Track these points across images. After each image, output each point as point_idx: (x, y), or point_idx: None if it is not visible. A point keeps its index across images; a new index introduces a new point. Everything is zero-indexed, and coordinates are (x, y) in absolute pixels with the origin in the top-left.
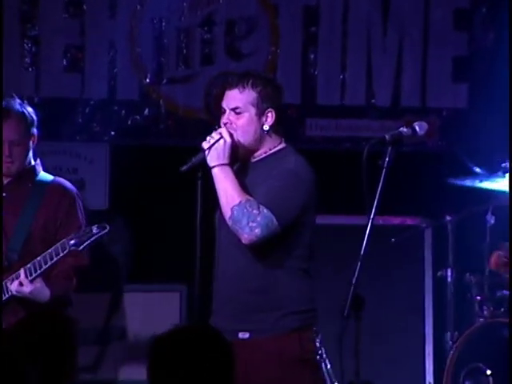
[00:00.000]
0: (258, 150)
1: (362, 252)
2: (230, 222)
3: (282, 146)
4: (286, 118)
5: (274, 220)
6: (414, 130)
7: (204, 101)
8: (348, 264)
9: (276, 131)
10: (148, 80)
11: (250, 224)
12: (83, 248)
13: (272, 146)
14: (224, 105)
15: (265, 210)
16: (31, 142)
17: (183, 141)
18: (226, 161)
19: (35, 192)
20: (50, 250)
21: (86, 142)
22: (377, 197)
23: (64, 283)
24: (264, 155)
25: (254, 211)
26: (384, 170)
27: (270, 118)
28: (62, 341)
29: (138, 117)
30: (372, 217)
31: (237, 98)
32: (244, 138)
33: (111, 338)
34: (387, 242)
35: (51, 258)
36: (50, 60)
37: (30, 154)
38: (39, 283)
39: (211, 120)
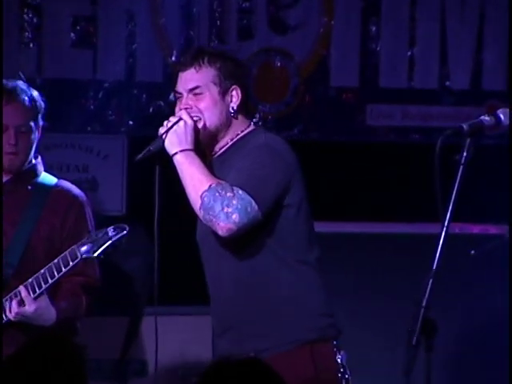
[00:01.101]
0: (223, 137)
1: (435, 267)
2: (201, 213)
3: (251, 128)
4: (341, 104)
5: (253, 202)
6: (498, 118)
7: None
8: (414, 279)
9: (243, 112)
10: (174, 58)
11: (226, 210)
12: (99, 254)
13: (239, 130)
14: (180, 89)
15: (240, 191)
16: (37, 133)
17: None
18: (188, 145)
19: (36, 197)
20: (55, 261)
21: (98, 133)
22: (452, 199)
23: (72, 303)
24: (230, 143)
25: (228, 194)
26: (461, 167)
27: (236, 96)
28: (69, 373)
29: (161, 103)
30: (446, 224)
31: (194, 78)
32: (210, 121)
33: (129, 372)
34: (465, 254)
35: (58, 270)
36: (55, 34)
37: (34, 148)
38: (44, 301)
39: (251, 107)
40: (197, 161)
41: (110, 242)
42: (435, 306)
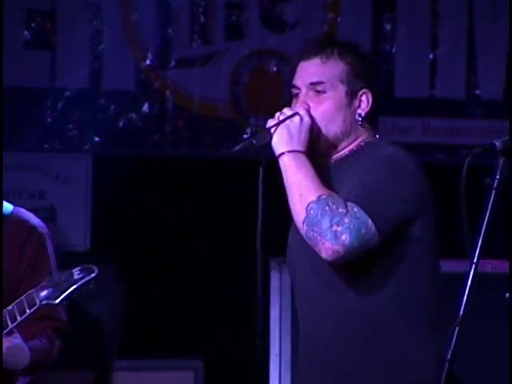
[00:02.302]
0: (342, 146)
1: (461, 312)
2: (303, 228)
3: (370, 139)
4: None
5: (370, 223)
6: None
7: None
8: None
9: (369, 121)
10: (149, 61)
11: (335, 228)
12: (61, 301)
13: (363, 141)
14: (298, 82)
15: (355, 208)
16: None
17: (199, 150)
18: (300, 146)
19: None
20: (10, 307)
21: (57, 152)
22: (482, 231)
23: (46, 344)
24: (349, 152)
25: (341, 209)
26: (493, 191)
27: (365, 101)
28: None
29: (133, 115)
30: (476, 261)
31: (318, 71)
32: (329, 127)
33: None
34: (498, 297)
35: (12, 320)
36: (4, 32)
37: None
38: (17, 339)
39: (241, 121)
40: (307, 165)
41: (74, 286)
42: (462, 359)
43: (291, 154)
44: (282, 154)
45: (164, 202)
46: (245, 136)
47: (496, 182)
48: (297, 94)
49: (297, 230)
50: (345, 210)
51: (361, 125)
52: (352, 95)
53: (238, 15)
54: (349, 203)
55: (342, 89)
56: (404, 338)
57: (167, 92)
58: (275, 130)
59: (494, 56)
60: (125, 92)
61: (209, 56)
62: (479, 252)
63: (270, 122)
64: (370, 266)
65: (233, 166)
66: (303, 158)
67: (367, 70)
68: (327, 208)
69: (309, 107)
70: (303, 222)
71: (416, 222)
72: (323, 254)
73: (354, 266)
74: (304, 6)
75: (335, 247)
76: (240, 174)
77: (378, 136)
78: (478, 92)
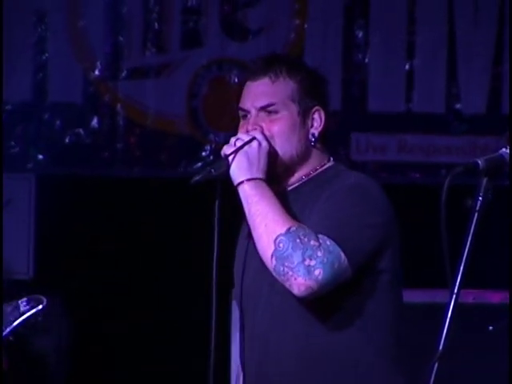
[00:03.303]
0: (297, 170)
1: (441, 347)
2: (272, 263)
3: (331, 163)
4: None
5: (342, 256)
6: None
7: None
8: (416, 359)
9: (324, 141)
10: (98, 72)
11: (307, 262)
12: (6, 335)
13: (318, 164)
14: (247, 104)
15: (327, 241)
16: None
17: (154, 169)
18: (260, 174)
19: None
20: None
21: None
22: (464, 258)
23: None
24: (305, 178)
25: (312, 242)
26: (476, 214)
27: (318, 120)
28: None
29: (81, 131)
30: (456, 291)
31: (268, 92)
32: (284, 148)
33: None
34: (481, 330)
35: None
36: None
37: None
38: None
39: (200, 137)
40: (269, 194)
41: (21, 319)
42: None
43: (252, 183)
44: (242, 182)
45: (115, 226)
46: (204, 154)
47: (479, 203)
48: (245, 116)
49: (246, 258)
50: (317, 243)
51: (314, 146)
52: (304, 114)
53: (195, 21)
54: (320, 236)
55: (294, 108)
56: (373, 376)
57: (118, 105)
58: (233, 157)
59: (476, 65)
60: (71, 105)
61: (164, 66)
62: (460, 281)
63: (227, 149)
64: (338, 299)
65: (191, 187)
66: (264, 185)
67: (318, 87)
68: (298, 241)
69: (262, 129)
70: (271, 256)
71: (384, 252)
72: (295, 290)
73: (322, 300)
74: (268, 11)
75: (308, 283)
76: (199, 196)
77: (331, 159)
78: (459, 106)
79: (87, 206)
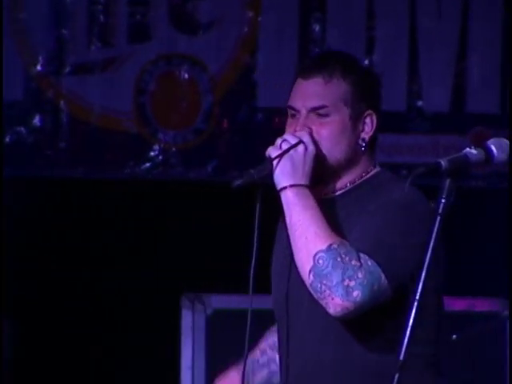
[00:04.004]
0: (344, 175)
1: (402, 357)
2: (309, 279)
3: (377, 169)
4: (272, 132)
5: (383, 278)
6: (488, 151)
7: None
8: None
9: (373, 147)
10: (40, 67)
11: (347, 282)
12: None
13: (365, 170)
14: (297, 104)
15: (369, 262)
16: None
17: (99, 170)
18: (305, 180)
19: None
20: None
21: None
22: (426, 263)
23: None
24: (351, 185)
25: (354, 262)
26: (438, 217)
27: (370, 125)
28: None
29: (22, 129)
30: (418, 298)
31: (321, 93)
32: (332, 153)
33: None
34: (445, 339)
35: None
36: None
37: None
38: None
39: (148, 136)
40: (313, 204)
41: None
42: None
43: (295, 189)
44: (285, 188)
45: (60, 231)
46: (152, 154)
47: (441, 206)
48: (294, 115)
49: (286, 265)
50: (358, 263)
51: (363, 151)
52: (356, 118)
53: (143, 14)
54: (362, 255)
55: (345, 112)
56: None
57: (61, 102)
58: (278, 160)
59: (439, 61)
60: (12, 102)
61: (110, 61)
62: (423, 286)
63: (272, 152)
64: (379, 319)
65: (138, 189)
66: (308, 193)
67: (372, 89)
68: (339, 259)
69: (311, 131)
70: (309, 272)
71: (429, 271)
72: (331, 310)
73: (362, 318)
74: (220, 3)
75: (345, 304)
76: (147, 198)
77: (377, 164)
78: (420, 103)
79: (29, 209)
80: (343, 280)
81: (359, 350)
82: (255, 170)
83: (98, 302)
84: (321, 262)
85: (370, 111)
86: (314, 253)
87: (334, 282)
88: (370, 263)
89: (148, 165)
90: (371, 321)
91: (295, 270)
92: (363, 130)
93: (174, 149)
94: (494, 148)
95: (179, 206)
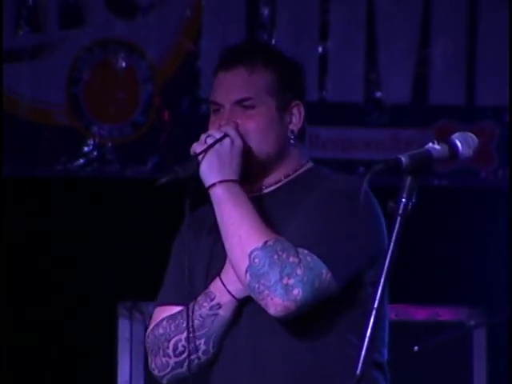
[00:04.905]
0: (274, 170)
1: (359, 371)
2: (246, 278)
3: (311, 165)
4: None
5: (324, 272)
6: (453, 147)
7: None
8: None
9: (303, 139)
10: None
11: (285, 281)
12: None
13: (297, 164)
14: (220, 98)
15: (308, 257)
16: None
17: (28, 167)
18: (234, 176)
19: None
20: None
21: None
22: (385, 269)
23: None
24: (284, 181)
25: (291, 258)
26: (398, 218)
27: (298, 115)
28: None
29: None
30: (376, 306)
31: (244, 84)
32: (261, 147)
33: None
34: (406, 351)
35: None
36: None
37: None
38: None
39: (81, 129)
40: (244, 199)
41: None
42: None
43: (224, 185)
44: (213, 184)
45: None
46: (86, 149)
47: (402, 206)
48: (217, 110)
49: (212, 260)
50: (297, 260)
51: (293, 144)
52: (283, 109)
53: None
54: (300, 250)
55: (271, 103)
56: None
57: None
58: (203, 156)
59: (399, 47)
60: None
61: (40, 47)
62: (381, 293)
63: (197, 148)
64: (325, 314)
65: (71, 187)
66: (239, 189)
67: (297, 79)
68: (276, 257)
69: (236, 125)
70: (246, 272)
71: (375, 265)
72: (271, 310)
73: (307, 315)
74: None
75: (286, 303)
76: (80, 197)
77: (310, 162)
78: (379, 94)
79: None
80: (282, 278)
81: (309, 348)
82: (180, 168)
83: (27, 312)
84: (257, 260)
85: (296, 101)
86: (248, 251)
87: (272, 281)
88: (309, 258)
89: (81, 161)
90: (318, 316)
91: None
92: (291, 122)
93: (109, 144)
94: (459, 143)
95: (115, 206)
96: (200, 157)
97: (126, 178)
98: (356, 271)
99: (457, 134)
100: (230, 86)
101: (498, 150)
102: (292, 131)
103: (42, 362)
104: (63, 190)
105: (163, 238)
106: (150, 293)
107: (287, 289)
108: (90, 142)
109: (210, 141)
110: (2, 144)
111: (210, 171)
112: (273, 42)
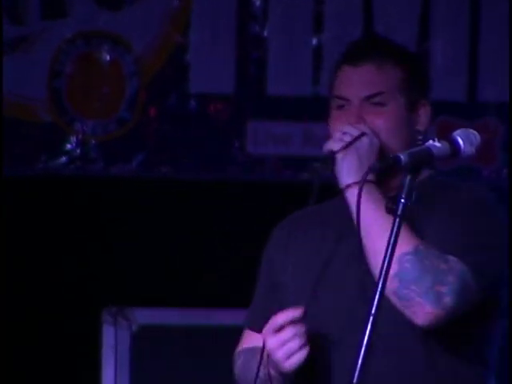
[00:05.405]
0: (399, 174)
1: (355, 380)
2: (393, 285)
3: (428, 172)
4: (206, 121)
5: (472, 281)
6: (454, 144)
7: None
8: None
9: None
10: None
11: (437, 288)
12: None
13: None
14: (349, 93)
15: (458, 265)
16: None
17: (8, 165)
18: (371, 176)
19: None
20: None
21: None
22: (385, 266)
23: None
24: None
25: (442, 265)
26: (397, 220)
27: (425, 115)
28: None
29: None
30: (374, 312)
31: (375, 80)
32: (391, 147)
33: None
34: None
35: None
36: None
37: None
38: None
39: (64, 125)
40: (384, 201)
41: None
42: None
43: (364, 186)
44: (351, 185)
45: None
46: (69, 146)
47: (401, 206)
48: (342, 106)
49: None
50: (447, 267)
51: (419, 146)
52: (411, 108)
53: None
54: (450, 257)
55: (401, 101)
56: None
57: None
58: (342, 155)
59: (397, 41)
60: None
61: (20, 40)
62: (379, 298)
63: (334, 145)
64: (464, 326)
65: (53, 186)
66: (377, 191)
67: (425, 78)
68: (427, 262)
69: (365, 122)
70: (394, 277)
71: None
72: (419, 319)
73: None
74: None
75: (437, 312)
76: (62, 197)
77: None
78: None
79: None
80: (434, 285)
81: (438, 363)
82: (321, 165)
83: (8, 317)
84: (408, 265)
85: (424, 101)
86: (398, 255)
87: (424, 288)
88: (459, 266)
89: (64, 159)
90: (456, 330)
91: (351, 270)
92: (418, 122)
93: (93, 141)
94: (460, 140)
95: (99, 206)
96: (338, 156)
97: (111, 177)
98: (494, 283)
99: (458, 131)
100: (359, 82)
101: (502, 148)
102: (419, 132)
103: (23, 370)
104: (44, 190)
105: (149, 240)
106: (135, 298)
107: (439, 297)
108: (73, 139)
109: (347, 139)
110: None
111: (349, 171)
112: (265, 33)
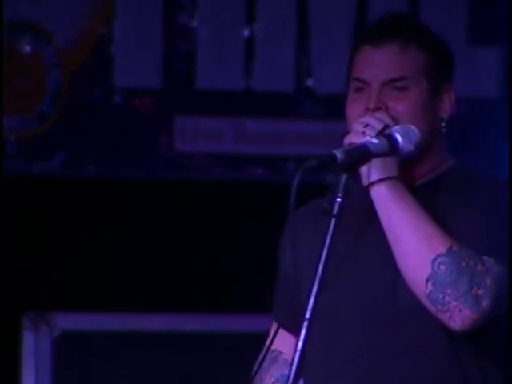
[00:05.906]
0: (421, 163)
1: None
2: (426, 288)
3: (453, 161)
4: (132, 116)
5: (505, 281)
6: (392, 141)
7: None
8: None
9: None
10: None
11: (475, 291)
12: None
13: (443, 157)
14: (368, 75)
15: (495, 267)
16: None
17: None
18: (396, 172)
19: None
20: None
21: None
22: (319, 273)
23: None
24: (434, 174)
25: (479, 267)
26: (333, 220)
27: (448, 102)
28: None
29: None
30: (308, 317)
31: (398, 63)
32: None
33: None
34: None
35: None
36: None
37: None
38: None
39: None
40: (412, 199)
41: None
42: None
43: (389, 182)
44: (376, 182)
45: None
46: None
47: (337, 207)
48: (360, 89)
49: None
50: (483, 268)
51: (440, 136)
52: (435, 93)
53: None
54: (486, 258)
55: (424, 85)
56: None
57: None
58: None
59: (334, 32)
60: None
61: None
62: (313, 305)
63: (356, 139)
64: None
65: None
66: (403, 187)
67: (449, 62)
68: (463, 264)
69: (386, 108)
70: (427, 280)
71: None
72: (456, 324)
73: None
74: None
75: (475, 316)
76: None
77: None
78: (310, 83)
79: None
80: (471, 288)
81: (466, 364)
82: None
83: None
84: (442, 267)
85: (448, 86)
86: (431, 257)
87: (462, 291)
88: (495, 268)
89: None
90: (486, 331)
91: (364, 269)
92: (441, 109)
93: (13, 137)
94: (399, 137)
95: (19, 206)
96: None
97: (32, 175)
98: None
99: (397, 127)
100: (381, 64)
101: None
102: (442, 119)
103: None
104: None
105: (71, 241)
106: (57, 303)
107: (477, 300)
108: None
109: (369, 132)
110: None
111: (374, 168)
112: (193, 24)
